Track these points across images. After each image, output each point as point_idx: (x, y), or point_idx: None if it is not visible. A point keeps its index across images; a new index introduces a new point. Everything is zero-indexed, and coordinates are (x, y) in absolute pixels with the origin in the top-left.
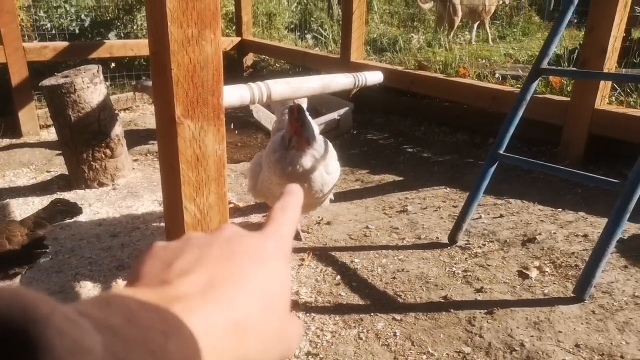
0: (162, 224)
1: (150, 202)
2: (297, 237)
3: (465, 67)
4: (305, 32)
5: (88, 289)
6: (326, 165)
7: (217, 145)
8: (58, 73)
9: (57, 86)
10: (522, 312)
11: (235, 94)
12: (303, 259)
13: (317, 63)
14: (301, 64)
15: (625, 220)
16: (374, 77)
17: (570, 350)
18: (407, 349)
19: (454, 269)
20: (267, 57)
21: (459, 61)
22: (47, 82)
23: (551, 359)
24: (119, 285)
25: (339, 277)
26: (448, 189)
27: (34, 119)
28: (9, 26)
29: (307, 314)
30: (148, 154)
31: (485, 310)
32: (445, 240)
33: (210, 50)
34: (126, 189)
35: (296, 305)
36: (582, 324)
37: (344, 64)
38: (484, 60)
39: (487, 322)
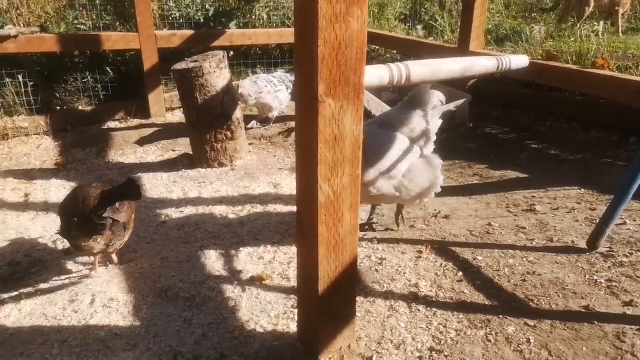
0: (277, 205)
1: (266, 184)
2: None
3: (604, 58)
4: (415, 22)
5: (212, 260)
6: (387, 167)
7: (355, 125)
8: (187, 58)
9: (187, 70)
10: None
11: (374, 74)
12: (421, 252)
13: (432, 53)
14: (414, 54)
15: None
16: (519, 61)
17: None
18: (543, 359)
19: (595, 277)
20: (377, 47)
21: (595, 51)
22: (178, 66)
23: None
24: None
25: (460, 273)
26: (582, 189)
27: (161, 102)
28: (144, 15)
29: (428, 308)
30: (262, 138)
31: (637, 327)
32: (582, 244)
33: (356, 27)
34: (243, 170)
35: (415, 298)
36: None
37: (461, 53)
38: (620, 52)
39: None
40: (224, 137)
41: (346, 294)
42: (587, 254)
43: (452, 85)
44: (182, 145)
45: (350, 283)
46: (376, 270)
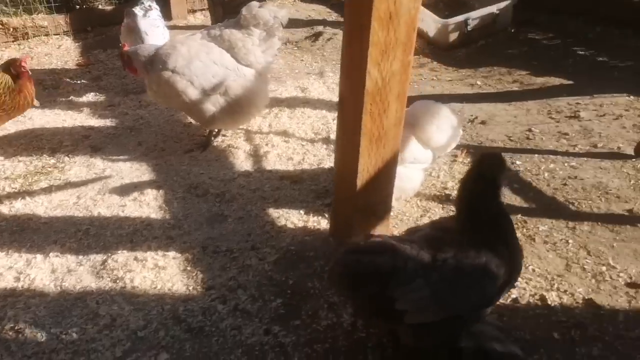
0: (306, 109)
1: (293, 88)
2: None
3: None
4: None
5: (241, 160)
6: None
7: (412, 3)
8: None
9: None
10: None
11: None
12: (456, 156)
13: None
14: None
15: None
16: None
17: None
18: (582, 258)
19: None
20: None
21: None
22: None
23: None
24: None
25: None
26: (632, 96)
27: (183, 4)
28: None
29: None
30: (288, 43)
31: None
32: (629, 151)
33: None
34: (270, 75)
35: (448, 199)
36: None
37: None
38: None
39: None
40: None
41: (384, 191)
42: (634, 160)
43: None
44: None
45: (390, 179)
46: None
